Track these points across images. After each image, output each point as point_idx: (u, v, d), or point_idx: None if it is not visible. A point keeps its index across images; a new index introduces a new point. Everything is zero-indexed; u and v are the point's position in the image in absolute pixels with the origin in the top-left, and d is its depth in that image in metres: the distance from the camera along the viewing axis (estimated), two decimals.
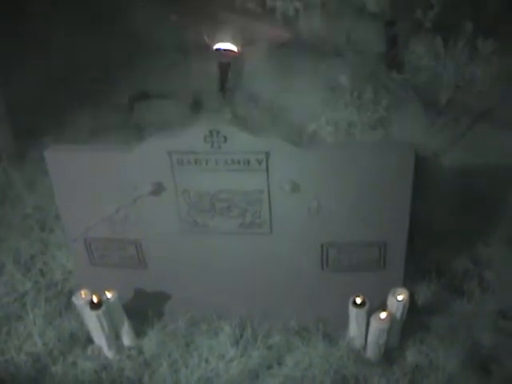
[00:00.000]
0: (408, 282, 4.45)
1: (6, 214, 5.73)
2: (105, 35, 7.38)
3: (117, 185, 4.33)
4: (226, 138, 3.99)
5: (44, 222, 5.58)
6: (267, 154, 4.04)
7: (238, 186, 4.17)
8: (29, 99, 6.45)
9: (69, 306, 4.87)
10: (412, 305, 4.39)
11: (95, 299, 4.27)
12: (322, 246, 4.34)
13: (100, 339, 4.48)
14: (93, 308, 4.29)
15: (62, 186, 4.44)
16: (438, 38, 6.42)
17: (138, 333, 4.59)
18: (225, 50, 6.72)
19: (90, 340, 4.62)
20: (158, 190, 4.25)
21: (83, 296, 4.38)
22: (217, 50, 6.80)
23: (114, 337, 4.48)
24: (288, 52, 6.98)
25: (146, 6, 7.69)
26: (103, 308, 4.28)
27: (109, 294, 4.34)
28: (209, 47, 7.07)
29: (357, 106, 6.27)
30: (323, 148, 4.42)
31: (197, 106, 6.46)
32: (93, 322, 4.39)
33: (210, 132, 4.00)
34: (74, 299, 4.40)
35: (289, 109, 6.30)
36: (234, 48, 6.70)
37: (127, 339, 4.53)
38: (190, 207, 4.31)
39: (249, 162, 4.07)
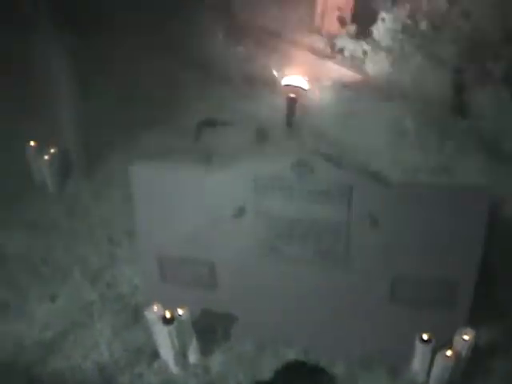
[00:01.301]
0: (472, 322, 4.50)
1: (74, 225, 5.85)
2: (176, 61, 7.60)
3: (198, 204, 4.45)
4: (312, 168, 4.11)
5: (112, 235, 5.71)
6: (350, 187, 4.14)
7: (318, 215, 4.28)
8: (101, 115, 6.62)
9: (136, 319, 4.96)
10: (475, 345, 4.44)
11: (168, 315, 4.37)
12: (392, 280, 4.41)
13: (167, 354, 4.57)
14: (165, 323, 4.38)
15: (143, 201, 4.57)
16: (504, 89, 6.54)
17: (205, 351, 4.67)
18: (293, 85, 6.87)
19: (156, 354, 4.70)
20: (239, 213, 4.37)
21: (155, 310, 4.47)
22: (285, 84, 6.95)
23: (181, 353, 4.55)
24: (354, 92, 7.13)
25: (216, 36, 7.91)
26: (175, 324, 4.37)
27: (180, 311, 4.44)
28: (277, 81, 7.23)
29: (420, 149, 6.38)
30: (404, 186, 4.53)
31: (262, 137, 6.59)
32: (162, 337, 4.48)
33: (298, 161, 4.12)
34: (146, 313, 4.50)
35: (353, 148, 6.41)
36: (302, 84, 6.85)
37: (193, 357, 4.63)
38: (268, 232, 4.42)
39: (332, 193, 4.18)
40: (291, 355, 4.64)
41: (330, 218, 4.25)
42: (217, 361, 4.66)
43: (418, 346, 4.34)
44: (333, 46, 7.57)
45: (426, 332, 4.32)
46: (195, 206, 4.47)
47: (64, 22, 6.40)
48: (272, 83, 7.23)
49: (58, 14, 6.42)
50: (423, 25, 7.39)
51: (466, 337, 4.31)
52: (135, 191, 4.50)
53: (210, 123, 6.88)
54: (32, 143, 6.18)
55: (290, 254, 4.46)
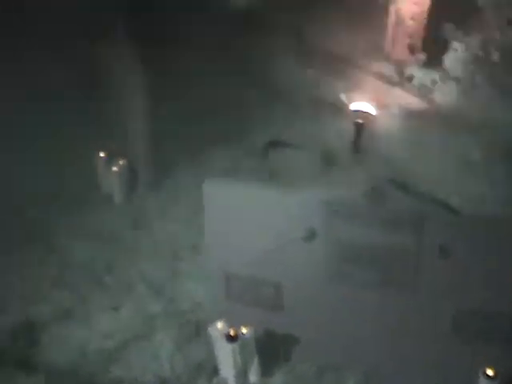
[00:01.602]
0: None
1: (139, 238, 5.93)
2: (245, 81, 7.67)
3: (268, 224, 4.48)
4: (385, 196, 4.11)
5: (176, 251, 5.76)
6: (422, 217, 4.13)
7: (388, 242, 4.27)
8: (169, 130, 6.71)
9: (197, 335, 5.00)
10: None
11: (232, 333, 4.39)
12: (457, 312, 4.37)
13: (228, 372, 4.59)
14: (228, 341, 4.40)
15: (214, 217, 4.62)
16: None
17: (266, 371, 4.68)
18: (360, 111, 6.87)
19: (216, 371, 4.73)
20: (309, 236, 4.38)
21: (219, 327, 4.50)
22: (352, 109, 6.96)
23: (242, 372, 4.57)
24: (422, 120, 7.11)
25: (286, 58, 7.97)
26: (238, 342, 4.39)
27: (244, 330, 4.46)
28: (344, 106, 7.25)
29: (488, 181, 6.32)
30: (476, 217, 4.49)
31: (328, 160, 6.60)
32: (224, 355, 4.51)
33: (371, 189, 4.13)
34: (210, 329, 4.52)
35: (418, 176, 6.37)
36: (369, 110, 6.85)
37: (254, 376, 4.64)
38: (337, 256, 4.43)
39: (403, 221, 4.17)
40: (351, 380, 4.61)
41: (399, 246, 4.23)
42: (277, 382, 4.66)
43: (482, 382, 4.27)
44: (401, 74, 7.56)
45: (490, 367, 4.25)
46: (265, 225, 4.50)
47: (138, 36, 6.51)
48: (339, 107, 7.23)
49: (134, 29, 6.53)
50: (495, 56, 7.32)
51: None
52: (207, 207, 4.55)
53: (277, 144, 6.91)
54: (102, 154, 6.26)
55: (356, 280, 4.45)
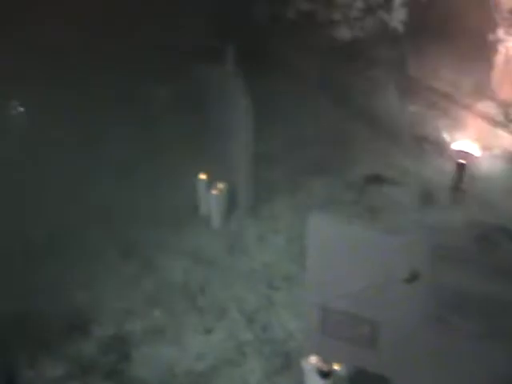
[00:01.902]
0: None
1: (234, 264, 5.97)
2: (346, 113, 7.68)
3: (371, 263, 4.43)
4: (496, 243, 4.02)
5: (271, 279, 5.78)
6: None
7: (495, 292, 4.17)
8: (269, 157, 6.75)
9: (288, 366, 4.99)
10: None
11: (326, 368, 4.36)
12: None
13: None
14: (322, 376, 4.38)
15: (316, 251, 4.60)
16: None
17: None
18: (463, 150, 6.77)
19: None
20: (412, 278, 4.31)
21: (313, 362, 4.48)
22: (455, 149, 6.86)
23: None
24: None
25: (390, 94, 7.93)
26: (331, 379, 4.36)
27: (338, 367, 4.42)
28: (446, 144, 7.16)
29: None
30: None
31: (427, 199, 6.51)
32: None
33: (482, 234, 4.04)
34: (303, 363, 4.50)
35: None
36: (472, 150, 6.74)
37: None
38: (438, 302, 4.34)
39: None
40: None
41: (507, 296, 4.13)
42: None
43: None
44: (507, 115, 7.40)
45: None
46: (367, 263, 4.45)
47: (243, 63, 6.58)
48: (441, 146, 7.14)
49: (239, 56, 6.62)
50: None
51: None
52: (310, 240, 4.54)
53: (376, 179, 6.87)
54: (202, 177, 6.34)
55: (456, 326, 4.35)
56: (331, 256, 4.42)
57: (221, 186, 6.26)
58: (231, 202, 6.40)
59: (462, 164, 6.69)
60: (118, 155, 7.39)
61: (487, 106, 7.60)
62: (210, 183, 6.34)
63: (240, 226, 6.30)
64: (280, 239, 6.04)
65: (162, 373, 5.18)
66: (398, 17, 8.12)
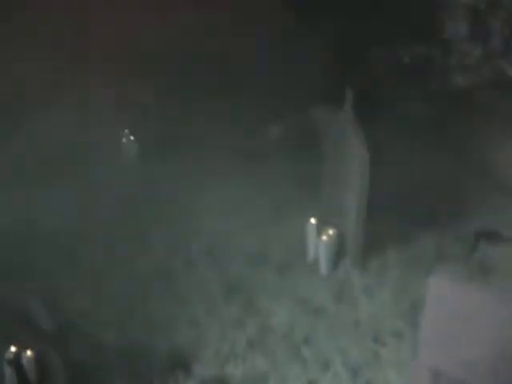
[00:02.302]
0: None
1: (341, 313, 5.86)
2: (460, 163, 7.48)
3: (491, 329, 4.23)
4: None
5: (377, 334, 5.62)
6: None
7: None
8: (380, 204, 6.58)
9: None
10: None
11: None
12: None
13: None
14: None
15: (434, 311, 4.43)
16: None
17: None
18: None
19: None
20: None
21: None
22: None
23: None
24: None
25: (505, 148, 7.68)
26: None
27: None
28: None
29: None
30: None
31: None
32: None
33: None
34: None
35: None
36: None
37: None
38: None
39: None
40: None
41: None
42: None
43: None
44: None
45: None
46: (487, 330, 4.25)
47: (357, 106, 6.48)
48: None
49: (353, 99, 6.51)
50: None
51: None
52: (429, 301, 4.37)
53: (489, 235, 6.62)
54: (312, 221, 6.24)
55: None
56: (450, 318, 4.25)
57: (331, 232, 6.12)
58: (341, 249, 6.23)
59: None
60: (225, 189, 7.39)
61: None
62: (321, 228, 6.19)
63: (347, 274, 6.18)
64: (387, 292, 5.89)
65: None
66: None
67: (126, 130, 8.25)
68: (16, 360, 4.95)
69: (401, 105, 8.50)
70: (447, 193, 7.15)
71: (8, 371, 4.95)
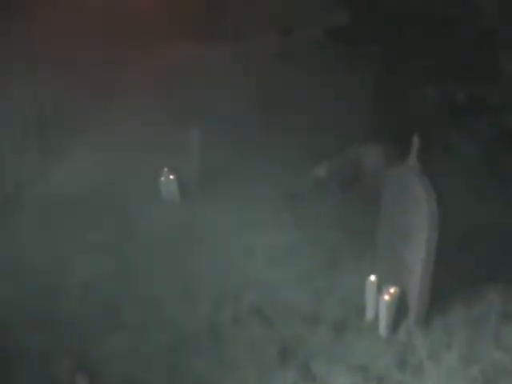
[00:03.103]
0: None
1: (406, 380, 5.41)
2: None
3: None
4: None
5: None
6: None
7: None
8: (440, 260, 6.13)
9: None
10: None
11: None
12: None
13: None
14: None
15: None
16: None
17: None
18: None
19: None
20: None
21: None
22: None
23: None
24: None
25: None
26: None
27: None
28: None
29: None
30: None
31: None
32: None
33: None
34: None
35: None
36: None
37: None
38: None
39: None
40: None
41: None
42: None
43: None
44: None
45: None
46: None
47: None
48: None
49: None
50: None
51: None
52: None
53: None
54: (372, 278, 5.81)
55: None
56: None
57: (393, 290, 5.66)
58: (402, 309, 5.77)
59: None
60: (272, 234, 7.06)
61: None
62: (381, 287, 5.73)
63: (409, 336, 5.72)
64: (454, 357, 5.45)
65: None
66: None
67: (166, 169, 7.79)
68: None
69: (453, 145, 8.09)
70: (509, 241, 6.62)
71: None
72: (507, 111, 8.30)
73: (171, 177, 7.86)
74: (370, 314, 5.91)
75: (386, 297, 5.74)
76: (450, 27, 8.38)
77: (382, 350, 5.69)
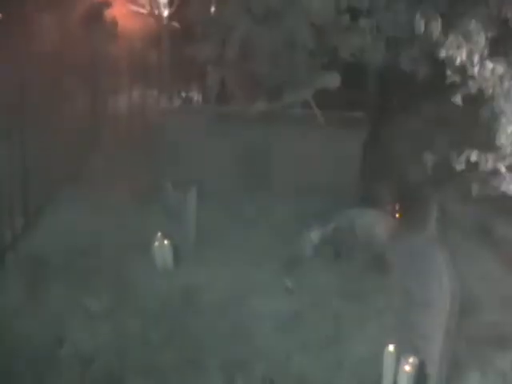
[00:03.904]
0: None
1: None
2: None
3: None
4: None
5: None
6: None
7: None
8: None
9: None
10: None
11: None
12: None
13: None
14: None
15: None
16: None
17: None
18: None
19: None
20: None
21: None
22: None
23: None
24: None
25: None
26: None
27: None
28: None
29: None
30: None
31: None
32: None
33: None
34: None
35: None
36: None
37: None
38: None
39: None
40: None
41: None
42: None
43: None
44: None
45: None
46: None
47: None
48: None
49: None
50: None
51: None
52: None
53: None
54: (391, 349, 5.69)
55: None
56: None
57: (413, 361, 5.54)
58: (423, 380, 5.65)
59: None
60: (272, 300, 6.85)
61: None
62: (399, 355, 5.61)
63: None
64: None
65: None
66: None
67: (159, 234, 7.61)
68: None
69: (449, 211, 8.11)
70: None
71: None
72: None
73: (165, 242, 7.63)
74: None
75: (407, 367, 5.59)
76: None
77: None
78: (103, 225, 8.01)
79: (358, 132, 9.01)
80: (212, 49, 8.80)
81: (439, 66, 7.74)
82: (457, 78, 7.32)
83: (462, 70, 7.25)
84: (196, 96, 11.08)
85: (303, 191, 8.63)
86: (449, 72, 7.30)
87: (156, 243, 7.62)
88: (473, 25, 6.62)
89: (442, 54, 6.75)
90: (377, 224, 7.92)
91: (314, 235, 7.98)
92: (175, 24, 11.78)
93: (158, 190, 8.42)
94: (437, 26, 6.68)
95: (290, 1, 8.63)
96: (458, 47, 6.68)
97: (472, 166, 8.11)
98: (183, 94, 11.50)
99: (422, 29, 6.78)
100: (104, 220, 8.14)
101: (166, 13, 11.84)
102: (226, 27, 8.71)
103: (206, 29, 8.90)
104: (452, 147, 8.04)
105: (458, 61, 6.81)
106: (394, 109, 8.58)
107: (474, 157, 7.64)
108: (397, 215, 8.00)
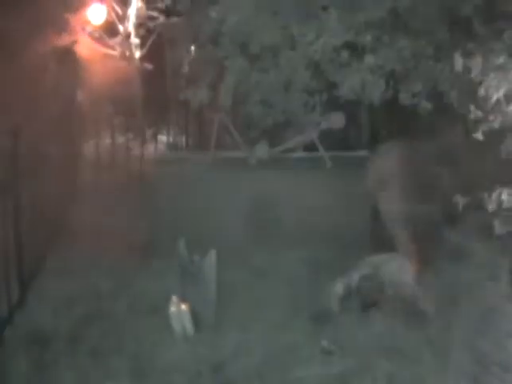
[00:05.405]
0: None
1: None
2: None
3: None
4: None
5: None
6: None
7: None
8: None
9: None
10: None
11: None
12: None
13: None
14: None
15: None
16: None
17: None
18: None
19: None
20: None
21: None
22: None
23: None
24: None
25: None
26: None
27: None
28: None
29: None
30: None
31: None
32: None
33: None
34: None
35: None
36: None
37: None
38: None
39: None
40: None
41: None
42: None
43: None
44: None
45: None
46: None
47: None
48: None
49: None
50: None
51: None
52: None
53: None
54: None
55: None
56: None
57: None
58: None
59: None
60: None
61: None
62: None
63: None
64: None
65: None
66: None
67: (174, 298, 6.96)
68: None
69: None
70: None
71: None
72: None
73: (183, 306, 6.97)
74: None
75: None
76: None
77: None
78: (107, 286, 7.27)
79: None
80: (207, 93, 8.22)
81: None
82: (479, 113, 7.05)
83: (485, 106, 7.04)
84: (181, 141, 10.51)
85: (315, 238, 8.08)
86: (472, 107, 7.04)
87: (172, 308, 6.91)
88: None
89: (481, 92, 6.46)
90: (403, 270, 7.45)
91: (339, 287, 7.42)
92: (148, 65, 11.13)
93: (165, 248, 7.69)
94: (477, 64, 6.39)
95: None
96: (497, 86, 6.42)
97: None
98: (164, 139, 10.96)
99: (461, 67, 6.48)
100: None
101: (137, 54, 11.21)
102: (221, 68, 8.15)
103: (200, 72, 8.32)
104: (478, 187, 7.74)
105: (494, 98, 6.54)
106: (408, 146, 8.18)
107: (504, 195, 7.32)
108: (420, 259, 7.51)
